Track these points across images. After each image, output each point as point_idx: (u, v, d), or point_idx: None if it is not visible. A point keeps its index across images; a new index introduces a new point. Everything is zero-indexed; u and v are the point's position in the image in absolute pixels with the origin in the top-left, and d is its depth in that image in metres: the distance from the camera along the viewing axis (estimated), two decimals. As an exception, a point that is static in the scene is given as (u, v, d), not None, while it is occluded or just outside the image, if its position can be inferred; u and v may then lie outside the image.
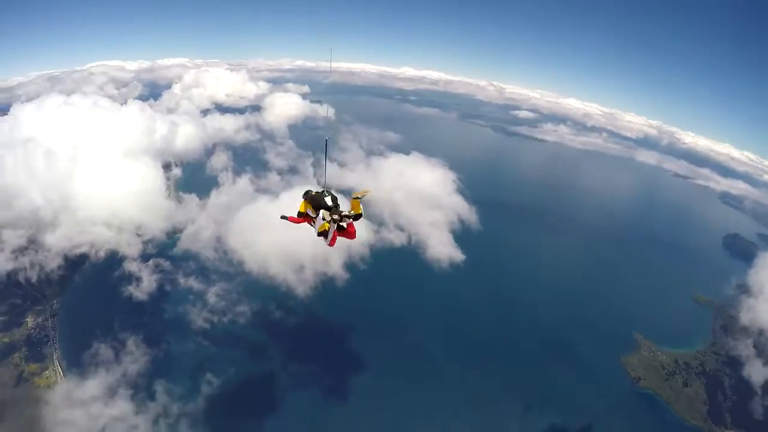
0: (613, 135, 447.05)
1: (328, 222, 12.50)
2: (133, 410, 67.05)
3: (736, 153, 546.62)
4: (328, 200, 12.98)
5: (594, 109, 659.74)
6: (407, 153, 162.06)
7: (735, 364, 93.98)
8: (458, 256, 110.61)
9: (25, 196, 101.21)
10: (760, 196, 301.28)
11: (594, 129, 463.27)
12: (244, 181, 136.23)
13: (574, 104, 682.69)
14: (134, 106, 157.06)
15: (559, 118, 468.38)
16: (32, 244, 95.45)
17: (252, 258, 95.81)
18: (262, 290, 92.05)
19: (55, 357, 75.25)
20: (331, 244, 12.96)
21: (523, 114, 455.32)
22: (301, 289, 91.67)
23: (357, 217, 12.80)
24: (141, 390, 70.91)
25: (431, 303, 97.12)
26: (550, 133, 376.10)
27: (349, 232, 12.86)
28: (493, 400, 76.73)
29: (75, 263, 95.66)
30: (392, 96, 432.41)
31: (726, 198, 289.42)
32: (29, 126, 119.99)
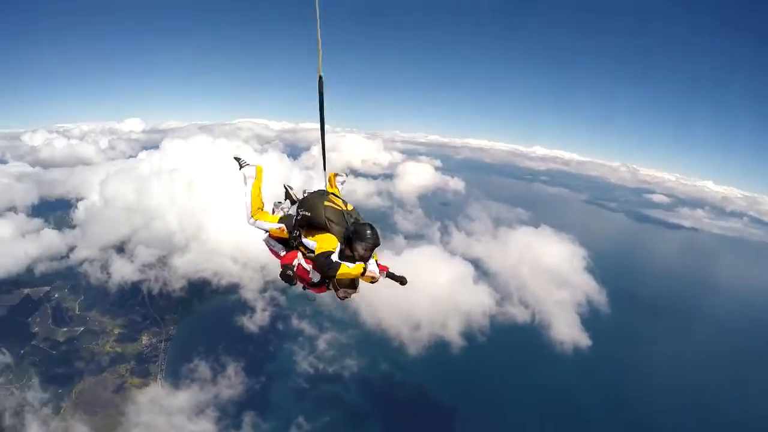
0: (755, 220, 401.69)
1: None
2: (215, 432, 66.24)
3: None
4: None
5: (733, 192, 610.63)
6: (536, 226, 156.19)
7: None
8: (584, 340, 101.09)
9: (163, 220, 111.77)
10: None
11: (734, 214, 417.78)
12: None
13: (711, 187, 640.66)
14: (274, 155, 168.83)
15: (695, 203, 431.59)
16: (161, 263, 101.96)
17: (368, 309, 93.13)
18: (373, 344, 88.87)
19: (159, 377, 77.18)
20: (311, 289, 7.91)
21: (657, 197, 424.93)
22: (413, 348, 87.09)
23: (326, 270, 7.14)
24: (228, 416, 70.50)
25: (548, 388, 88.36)
26: (687, 217, 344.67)
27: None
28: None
29: (196, 287, 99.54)
30: (522, 176, 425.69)
31: None
32: (176, 158, 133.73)
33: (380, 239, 7.24)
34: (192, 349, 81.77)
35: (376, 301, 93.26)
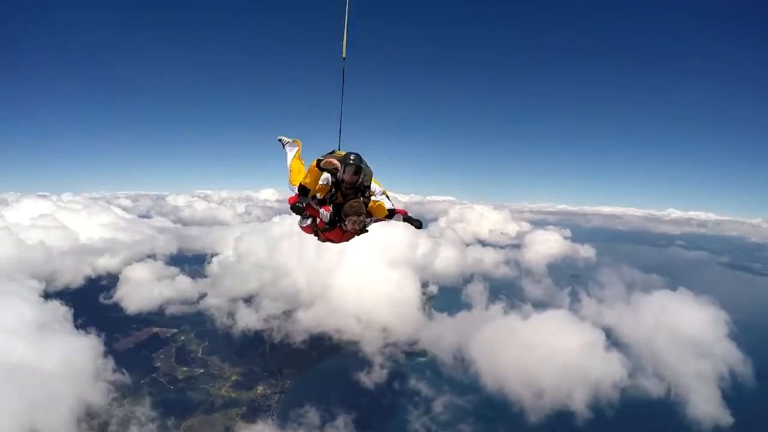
0: None
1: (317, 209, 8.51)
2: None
3: None
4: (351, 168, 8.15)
5: None
6: (673, 289, 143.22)
7: None
8: (725, 418, 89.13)
9: (291, 277, 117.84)
10: None
11: None
12: (497, 308, 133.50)
13: None
14: (401, 224, 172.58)
15: None
16: (285, 315, 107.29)
17: (490, 372, 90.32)
18: (491, 408, 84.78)
19: (269, 421, 78.44)
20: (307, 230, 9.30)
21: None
22: (534, 417, 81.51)
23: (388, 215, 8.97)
24: None
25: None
26: None
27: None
28: None
29: (317, 340, 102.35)
30: (657, 241, 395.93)
31: None
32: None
33: (363, 165, 8.27)
34: (304, 396, 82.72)
35: (501, 365, 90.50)
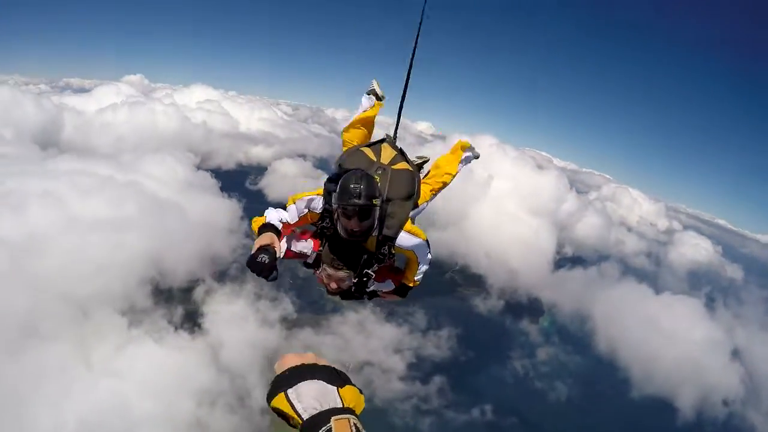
0: None
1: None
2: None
3: None
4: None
5: None
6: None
7: None
8: None
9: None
10: None
11: None
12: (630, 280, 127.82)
13: None
14: (552, 175, 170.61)
15: None
16: None
17: (605, 334, 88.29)
18: (595, 371, 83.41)
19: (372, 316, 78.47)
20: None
21: None
22: (637, 394, 78.85)
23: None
24: (421, 370, 70.94)
25: None
26: None
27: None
28: None
29: (441, 263, 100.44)
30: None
31: None
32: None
33: (378, 197, 4.66)
34: (416, 300, 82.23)
35: (619, 331, 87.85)
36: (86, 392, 48.39)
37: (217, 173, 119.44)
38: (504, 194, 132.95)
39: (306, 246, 5.24)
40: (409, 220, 5.22)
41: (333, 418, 1.48)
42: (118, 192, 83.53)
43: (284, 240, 5.08)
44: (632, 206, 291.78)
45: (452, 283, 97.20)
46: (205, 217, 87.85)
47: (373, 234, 4.92)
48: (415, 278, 5.60)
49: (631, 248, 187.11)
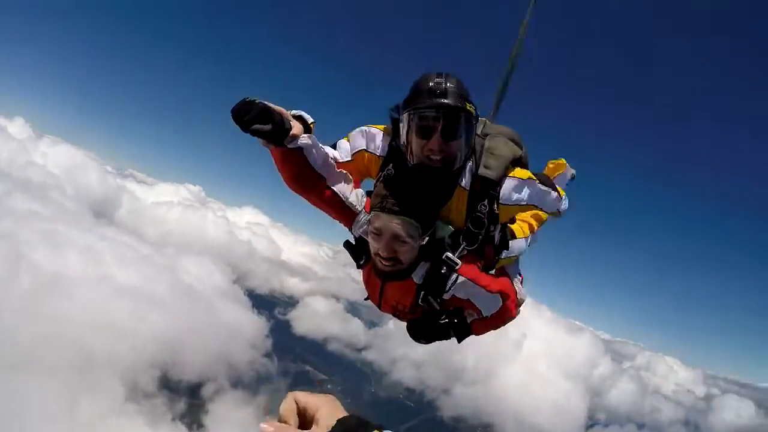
0: None
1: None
2: None
3: None
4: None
5: None
6: None
7: None
8: None
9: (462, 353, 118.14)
10: None
11: None
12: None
13: None
14: (586, 338, 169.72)
15: None
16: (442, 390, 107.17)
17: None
18: None
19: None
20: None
21: None
22: None
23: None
24: None
25: None
26: None
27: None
28: None
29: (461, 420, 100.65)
30: None
31: None
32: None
33: (468, 98, 3.07)
34: None
35: None
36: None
37: (251, 294, 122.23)
38: (536, 355, 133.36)
39: (353, 196, 3.18)
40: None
41: None
42: (155, 270, 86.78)
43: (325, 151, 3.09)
44: (668, 374, 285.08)
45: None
46: (232, 325, 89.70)
47: (462, 183, 3.18)
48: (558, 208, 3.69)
49: (667, 416, 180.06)
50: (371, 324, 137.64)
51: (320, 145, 3.02)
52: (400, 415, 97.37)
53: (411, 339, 3.55)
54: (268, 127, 2.62)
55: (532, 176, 3.36)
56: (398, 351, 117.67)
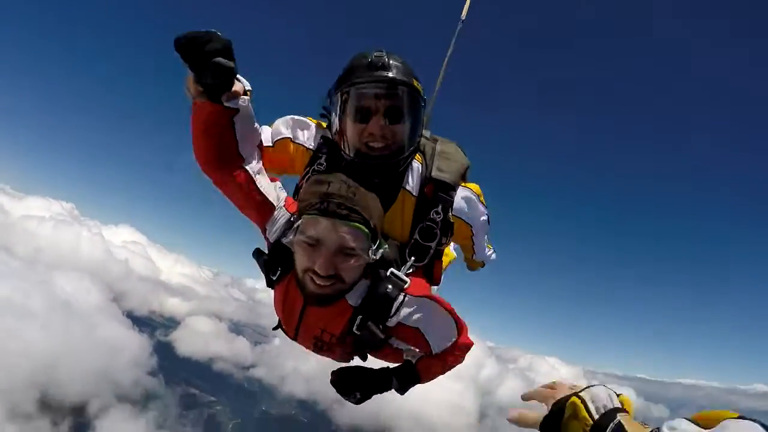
0: None
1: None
2: None
3: None
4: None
5: None
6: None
7: None
8: None
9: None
10: None
11: None
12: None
13: None
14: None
15: None
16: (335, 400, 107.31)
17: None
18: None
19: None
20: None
21: None
22: None
23: None
24: None
25: None
26: None
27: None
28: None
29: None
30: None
31: None
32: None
33: (415, 75, 2.68)
34: None
35: None
36: None
37: (130, 315, 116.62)
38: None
39: (271, 188, 2.62)
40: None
41: (619, 414, 1.45)
42: (28, 285, 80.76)
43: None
44: (550, 372, 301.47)
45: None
46: (113, 343, 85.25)
47: (407, 187, 2.76)
48: (486, 256, 3.43)
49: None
50: (256, 342, 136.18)
51: (254, 115, 2.50)
52: (294, 431, 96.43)
53: (340, 395, 2.89)
54: (231, 63, 2.11)
55: (482, 196, 2.91)
56: (287, 366, 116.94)
